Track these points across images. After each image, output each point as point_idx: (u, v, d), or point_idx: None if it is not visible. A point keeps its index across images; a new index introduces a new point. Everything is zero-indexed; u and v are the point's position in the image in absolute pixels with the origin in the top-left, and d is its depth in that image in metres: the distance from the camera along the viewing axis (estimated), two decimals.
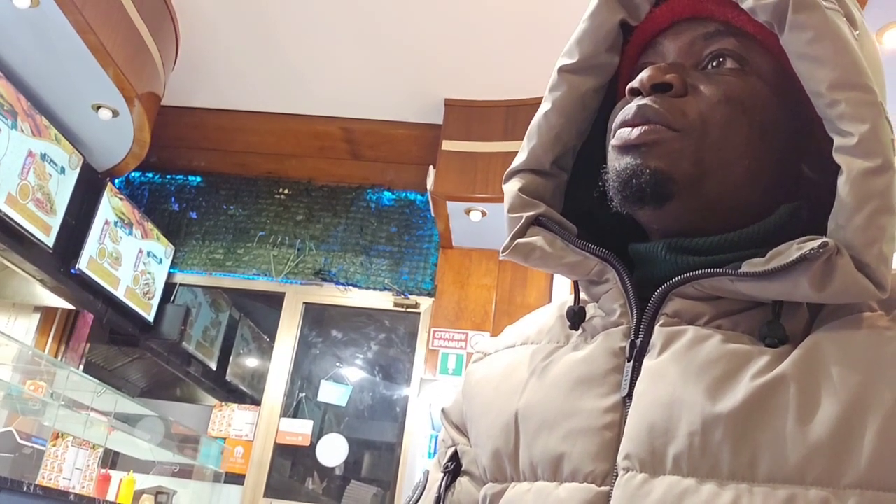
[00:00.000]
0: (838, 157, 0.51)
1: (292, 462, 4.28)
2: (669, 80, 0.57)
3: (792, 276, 0.50)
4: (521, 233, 0.62)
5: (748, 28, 0.59)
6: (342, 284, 4.24)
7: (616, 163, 0.58)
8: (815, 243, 0.49)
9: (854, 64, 0.51)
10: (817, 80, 0.52)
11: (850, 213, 0.49)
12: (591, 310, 0.63)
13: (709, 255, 0.57)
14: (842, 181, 0.50)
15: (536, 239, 0.61)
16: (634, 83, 0.59)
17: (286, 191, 4.48)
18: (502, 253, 0.63)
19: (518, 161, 0.66)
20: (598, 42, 0.64)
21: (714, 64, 0.59)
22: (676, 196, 0.56)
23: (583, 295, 0.64)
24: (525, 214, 0.62)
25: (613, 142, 0.59)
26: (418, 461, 3.79)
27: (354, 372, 4.65)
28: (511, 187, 0.64)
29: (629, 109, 0.58)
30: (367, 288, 4.22)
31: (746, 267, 0.52)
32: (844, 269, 0.49)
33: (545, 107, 0.65)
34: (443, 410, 0.73)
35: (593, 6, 0.64)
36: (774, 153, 0.58)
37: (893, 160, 0.50)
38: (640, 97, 0.58)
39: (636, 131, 0.57)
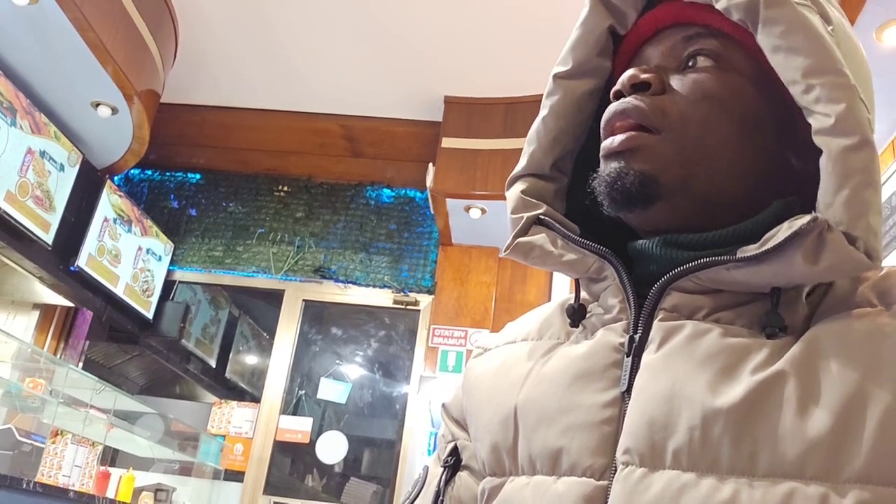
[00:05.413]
0: (818, 140, 0.52)
1: (292, 459, 4.29)
2: (646, 78, 0.59)
3: (786, 254, 0.51)
4: (523, 232, 0.63)
5: (726, 30, 0.60)
6: (342, 282, 4.24)
7: (603, 168, 0.61)
8: (805, 219, 0.50)
9: (826, 51, 0.53)
10: (792, 68, 0.53)
11: (835, 191, 0.50)
12: (591, 308, 0.64)
13: (703, 251, 0.58)
14: (824, 161, 0.52)
15: (537, 237, 0.62)
16: (616, 86, 0.61)
17: (286, 188, 4.48)
18: (503, 251, 0.64)
19: (519, 167, 0.68)
20: (590, 47, 0.66)
21: (692, 63, 0.61)
22: (663, 197, 0.58)
23: (583, 293, 0.64)
24: (526, 214, 0.64)
25: (601, 153, 0.61)
26: (418, 458, 3.79)
27: (354, 369, 4.65)
28: (514, 191, 0.67)
29: (611, 110, 0.61)
30: (367, 285, 4.22)
31: (741, 253, 0.53)
32: (836, 243, 0.49)
33: (542, 112, 0.68)
34: (443, 405, 0.74)
35: (584, 13, 0.67)
36: (759, 147, 0.59)
37: (871, 137, 0.51)
38: (622, 98, 0.60)
39: (618, 139, 0.59)
